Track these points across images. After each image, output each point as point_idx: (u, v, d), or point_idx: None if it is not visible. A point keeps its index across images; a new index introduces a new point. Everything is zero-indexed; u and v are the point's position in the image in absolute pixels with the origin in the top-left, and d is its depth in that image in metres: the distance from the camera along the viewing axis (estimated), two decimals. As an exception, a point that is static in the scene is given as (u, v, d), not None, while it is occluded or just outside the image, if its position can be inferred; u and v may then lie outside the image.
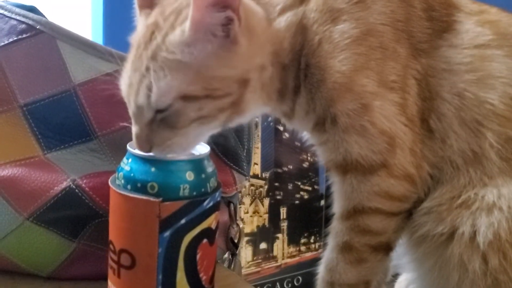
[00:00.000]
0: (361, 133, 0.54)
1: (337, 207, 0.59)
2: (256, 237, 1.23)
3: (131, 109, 0.51)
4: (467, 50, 0.56)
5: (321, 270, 0.61)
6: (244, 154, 0.66)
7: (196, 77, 0.50)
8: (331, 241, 0.60)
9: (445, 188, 0.56)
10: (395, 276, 0.71)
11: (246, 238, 1.22)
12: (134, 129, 0.51)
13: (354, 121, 0.54)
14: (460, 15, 0.58)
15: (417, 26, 0.56)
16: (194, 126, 0.51)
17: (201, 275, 0.52)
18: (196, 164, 0.51)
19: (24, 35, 0.60)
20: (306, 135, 0.63)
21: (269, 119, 1.16)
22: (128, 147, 0.52)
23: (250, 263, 1.23)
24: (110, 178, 0.52)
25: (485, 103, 0.55)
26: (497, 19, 0.59)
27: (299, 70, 0.56)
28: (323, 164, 0.60)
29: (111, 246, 0.51)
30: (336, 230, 0.59)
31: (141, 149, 0.50)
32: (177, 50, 0.49)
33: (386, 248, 0.59)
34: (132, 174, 0.50)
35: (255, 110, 0.58)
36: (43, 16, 0.65)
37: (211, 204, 0.51)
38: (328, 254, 0.60)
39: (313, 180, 1.28)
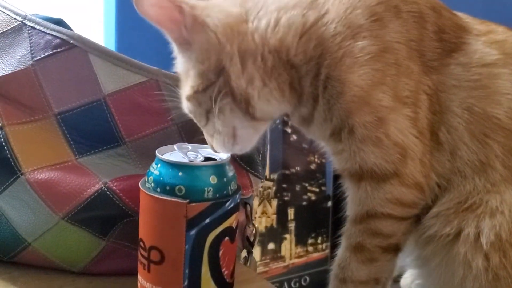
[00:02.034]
0: (376, 144, 0.57)
1: (350, 211, 0.62)
2: (264, 238, 1.22)
3: None
4: (475, 69, 0.59)
5: (334, 267, 0.63)
6: (260, 158, 0.70)
7: (186, 80, 0.59)
8: (344, 242, 0.62)
9: (452, 194, 0.59)
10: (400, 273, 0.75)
11: (254, 238, 1.21)
12: None
13: (371, 132, 0.57)
14: (469, 37, 0.60)
15: (428, 46, 0.59)
16: (212, 120, 0.59)
17: (223, 270, 0.56)
18: (219, 169, 0.55)
19: (59, 49, 0.63)
20: (322, 144, 0.65)
21: (277, 121, 1.17)
22: (156, 153, 0.56)
23: (258, 263, 1.21)
24: (140, 181, 0.56)
25: (493, 117, 0.58)
26: (503, 38, 0.61)
27: (317, 80, 0.58)
28: (339, 171, 0.62)
29: (141, 243, 0.55)
30: (349, 232, 0.62)
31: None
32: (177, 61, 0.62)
33: (395, 249, 0.62)
34: (161, 178, 0.54)
35: (272, 102, 0.59)
36: (70, 28, 0.69)
37: (232, 205, 0.55)
38: (341, 253, 0.63)
39: (320, 181, 1.26)
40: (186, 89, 0.60)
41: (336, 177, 0.65)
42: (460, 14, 0.63)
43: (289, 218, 1.24)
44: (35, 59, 0.64)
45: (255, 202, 1.20)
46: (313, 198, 1.26)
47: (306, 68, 0.58)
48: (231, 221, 0.56)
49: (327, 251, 1.28)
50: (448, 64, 0.59)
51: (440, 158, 0.60)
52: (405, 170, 0.58)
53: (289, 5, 0.58)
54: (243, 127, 0.60)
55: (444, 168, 0.60)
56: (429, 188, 0.60)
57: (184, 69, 0.60)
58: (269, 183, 1.20)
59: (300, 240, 1.26)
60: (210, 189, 0.54)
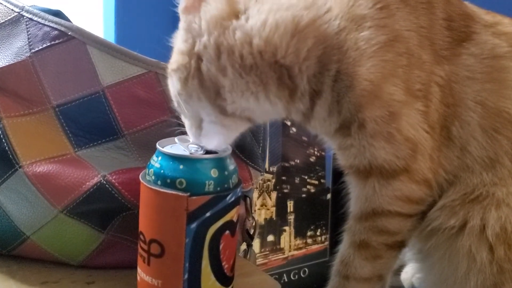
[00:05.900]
0: (388, 139, 0.56)
1: (354, 208, 0.60)
2: (263, 230, 1.22)
3: None
4: (487, 60, 0.57)
5: (336, 263, 0.62)
6: (260, 151, 0.69)
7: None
8: (348, 238, 0.61)
9: (458, 187, 0.59)
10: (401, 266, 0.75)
11: (253, 231, 1.21)
12: None
13: (382, 128, 0.55)
14: (477, 27, 0.59)
15: (438, 33, 0.57)
16: (185, 106, 0.57)
17: (223, 263, 0.56)
18: (220, 162, 0.55)
19: (57, 41, 0.63)
20: (326, 139, 0.63)
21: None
22: (157, 145, 0.55)
23: (258, 255, 1.22)
24: (141, 174, 0.56)
25: (503, 112, 0.57)
26: (511, 31, 0.60)
27: (320, 76, 0.56)
28: (344, 168, 0.60)
29: (141, 236, 0.55)
30: (353, 229, 0.61)
31: None
32: None
33: (400, 246, 0.61)
34: (162, 171, 0.53)
35: (249, 97, 0.57)
36: (68, 19, 0.68)
37: (233, 198, 0.55)
38: (343, 250, 0.62)
39: (319, 174, 1.26)
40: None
41: (336, 170, 0.64)
42: (466, 2, 0.62)
43: (288, 211, 1.24)
44: (33, 51, 0.63)
45: (255, 194, 1.20)
46: (313, 190, 1.26)
47: (299, 68, 0.56)
48: (232, 215, 0.56)
49: (326, 243, 1.28)
50: (460, 54, 0.58)
51: (449, 154, 0.58)
52: (415, 166, 0.57)
53: (283, 7, 0.55)
54: (210, 121, 0.57)
55: (452, 165, 0.58)
56: (436, 185, 0.59)
57: None
58: (269, 176, 1.20)
59: (299, 232, 1.26)
60: (211, 183, 0.53)
